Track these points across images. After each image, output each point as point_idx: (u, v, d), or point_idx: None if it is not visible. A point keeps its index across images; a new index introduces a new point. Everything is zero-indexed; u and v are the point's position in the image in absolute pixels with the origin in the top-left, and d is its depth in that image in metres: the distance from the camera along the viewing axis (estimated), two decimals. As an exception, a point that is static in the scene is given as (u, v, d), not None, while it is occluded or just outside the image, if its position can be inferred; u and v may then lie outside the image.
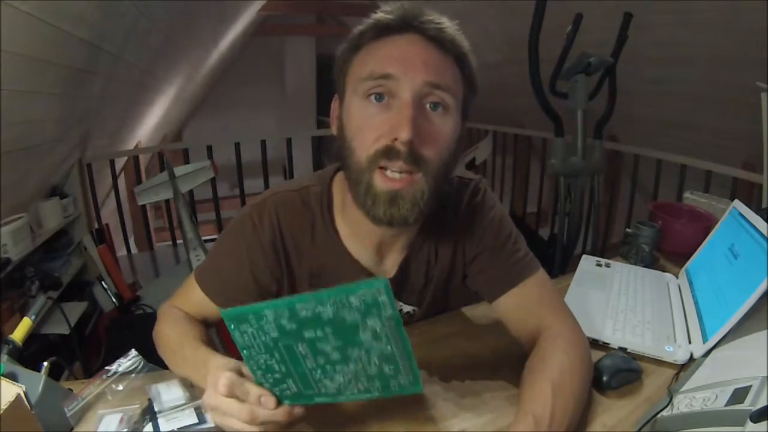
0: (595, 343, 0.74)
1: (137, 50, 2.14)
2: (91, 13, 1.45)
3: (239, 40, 4.54)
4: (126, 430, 0.55)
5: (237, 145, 3.08)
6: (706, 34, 1.81)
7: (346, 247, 0.67)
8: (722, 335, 0.69)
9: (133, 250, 3.12)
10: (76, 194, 2.27)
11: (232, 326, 0.43)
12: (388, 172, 0.55)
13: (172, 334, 0.66)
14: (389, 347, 0.41)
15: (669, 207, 1.27)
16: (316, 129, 4.80)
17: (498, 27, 2.93)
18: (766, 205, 1.40)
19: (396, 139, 0.53)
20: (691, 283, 0.91)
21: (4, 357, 0.58)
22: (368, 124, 0.55)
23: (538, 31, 1.67)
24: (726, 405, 0.49)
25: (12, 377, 0.54)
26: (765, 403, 0.44)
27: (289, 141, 3.24)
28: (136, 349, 0.66)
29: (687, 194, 1.31)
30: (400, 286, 0.72)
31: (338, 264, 0.68)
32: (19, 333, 0.62)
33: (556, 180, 2.11)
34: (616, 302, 0.86)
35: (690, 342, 0.74)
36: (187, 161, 2.92)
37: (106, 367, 0.63)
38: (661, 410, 0.56)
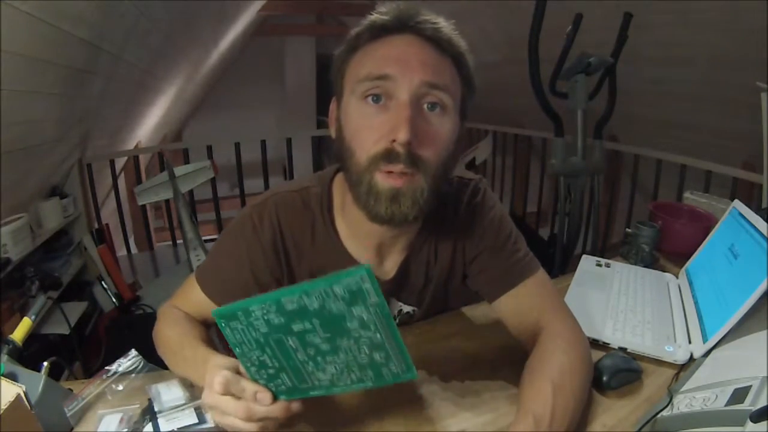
0: (595, 343, 0.74)
1: (137, 50, 2.14)
2: (91, 13, 1.45)
3: (239, 40, 4.53)
4: (126, 430, 0.55)
5: (237, 145, 3.08)
6: (706, 34, 1.81)
7: (346, 247, 0.67)
8: (722, 335, 0.69)
9: (133, 250, 3.13)
10: (76, 194, 2.27)
11: (223, 324, 0.44)
12: (389, 173, 0.55)
13: (172, 334, 0.66)
14: (378, 335, 0.41)
15: (669, 207, 1.27)
16: (316, 129, 4.80)
17: (497, 27, 2.93)
18: (766, 205, 1.40)
19: (394, 140, 0.53)
20: (691, 283, 0.91)
21: (4, 357, 0.58)
22: (366, 126, 0.55)
23: (538, 31, 1.67)
24: (726, 405, 0.49)
25: (12, 377, 0.54)
26: (765, 403, 0.44)
27: (289, 141, 3.24)
28: (136, 349, 0.66)
29: (687, 194, 1.31)
30: (400, 286, 0.72)
31: (338, 265, 0.67)
32: (19, 333, 0.62)
33: (556, 180, 2.11)
34: (616, 302, 0.86)
35: (690, 342, 0.74)
36: (187, 161, 2.92)
37: (106, 367, 0.63)
38: (661, 410, 0.56)
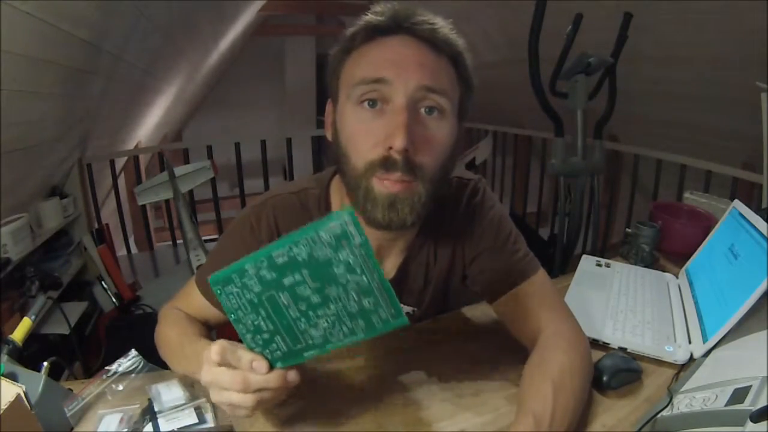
0: (595, 343, 0.74)
1: (137, 50, 2.14)
2: (91, 13, 1.45)
3: (239, 40, 4.53)
4: (126, 430, 0.55)
5: (237, 145, 3.08)
6: (706, 34, 1.81)
7: None
8: (722, 335, 0.69)
9: (133, 250, 3.13)
10: (76, 194, 2.27)
11: (219, 290, 0.45)
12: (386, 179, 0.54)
13: (173, 334, 0.66)
14: (364, 278, 0.42)
15: (669, 207, 1.27)
16: (316, 129, 4.80)
17: (497, 27, 2.92)
18: (766, 205, 1.40)
19: (391, 147, 0.52)
20: (691, 283, 0.91)
21: (4, 357, 0.58)
22: (363, 131, 0.55)
23: (538, 32, 1.67)
24: (726, 405, 0.49)
25: (12, 377, 0.54)
26: (765, 403, 0.44)
27: (289, 141, 3.24)
28: (136, 349, 0.66)
29: (687, 194, 1.31)
30: (399, 287, 0.71)
31: None
32: (19, 333, 0.62)
33: (556, 180, 2.11)
34: (616, 302, 0.86)
35: (690, 342, 0.74)
36: (187, 161, 2.92)
37: (106, 367, 0.63)
38: (661, 410, 0.56)
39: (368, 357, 0.70)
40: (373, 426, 0.57)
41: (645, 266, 1.04)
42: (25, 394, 0.49)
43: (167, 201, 2.71)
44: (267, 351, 0.48)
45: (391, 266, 0.70)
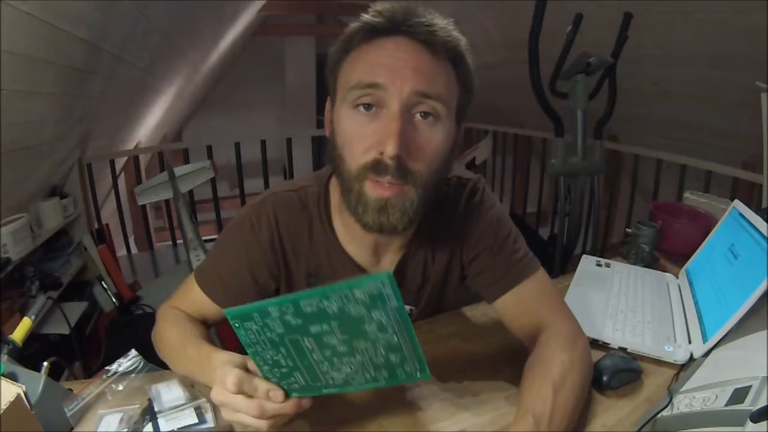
0: (595, 343, 0.74)
1: (137, 50, 2.14)
2: (91, 13, 1.45)
3: (239, 40, 4.53)
4: (126, 430, 0.55)
5: (237, 145, 3.08)
6: (706, 34, 1.81)
7: (343, 246, 0.67)
8: (722, 335, 0.69)
9: (133, 250, 3.13)
10: (76, 194, 2.27)
11: (237, 324, 0.43)
12: (378, 182, 0.54)
13: (173, 333, 0.66)
14: (395, 337, 0.42)
15: (669, 207, 1.27)
16: (316, 129, 4.80)
17: (497, 27, 2.93)
18: (766, 205, 1.40)
19: (383, 152, 0.52)
20: (691, 283, 0.91)
21: (4, 357, 0.58)
22: (357, 135, 0.55)
23: (538, 32, 1.67)
24: (726, 405, 0.49)
25: (12, 377, 0.54)
26: (765, 403, 0.44)
27: (289, 141, 3.24)
28: (136, 349, 0.66)
29: (687, 194, 1.31)
30: (397, 285, 0.71)
31: (335, 263, 0.68)
32: (19, 333, 0.62)
33: (556, 180, 2.11)
34: (616, 302, 0.86)
35: (690, 342, 0.74)
36: (187, 161, 2.92)
37: (106, 367, 0.63)
38: (661, 410, 0.56)
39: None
40: (373, 426, 0.57)
41: (645, 266, 1.04)
42: (25, 394, 0.49)
43: (167, 201, 2.71)
44: (284, 383, 0.47)
45: (388, 264, 0.70)
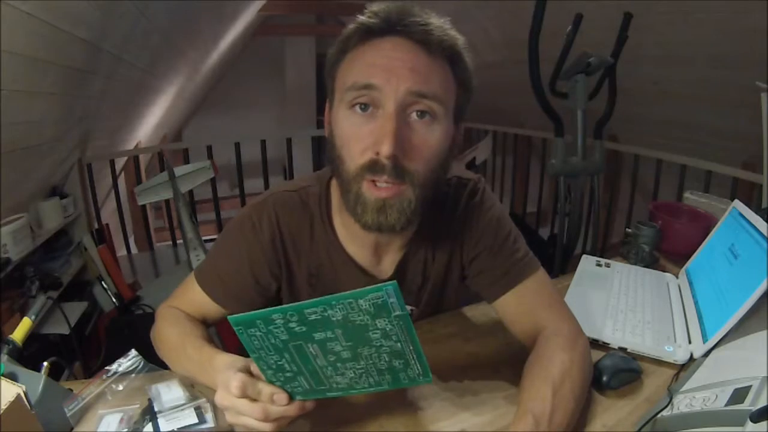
0: (595, 343, 0.74)
1: (137, 50, 2.14)
2: (91, 13, 1.45)
3: (239, 40, 4.53)
4: (126, 430, 0.55)
5: (237, 145, 3.08)
6: (706, 34, 1.81)
7: (344, 246, 0.68)
8: (722, 335, 0.69)
9: (133, 250, 3.12)
10: (76, 194, 2.27)
11: (240, 330, 0.43)
12: (376, 182, 0.55)
13: (173, 333, 0.66)
14: (399, 344, 0.42)
15: (669, 207, 1.27)
16: (316, 129, 4.80)
17: (497, 27, 2.92)
18: (766, 205, 1.40)
19: (379, 153, 0.52)
20: (691, 283, 0.91)
21: (4, 357, 0.58)
22: (354, 135, 0.55)
23: (538, 32, 1.67)
24: (726, 405, 0.49)
25: (12, 377, 0.54)
26: (765, 403, 0.44)
27: (289, 141, 3.24)
28: (136, 349, 0.66)
29: (687, 194, 1.31)
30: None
31: (336, 263, 0.68)
32: (19, 333, 0.62)
33: (556, 180, 2.11)
34: (616, 302, 0.86)
35: (690, 342, 0.74)
36: (187, 161, 2.91)
37: (106, 367, 0.63)
38: (661, 410, 0.56)
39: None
40: (373, 426, 0.57)
41: (645, 266, 1.04)
42: (25, 394, 0.49)
43: (167, 201, 2.71)
44: (288, 386, 0.48)
45: (389, 263, 0.70)
